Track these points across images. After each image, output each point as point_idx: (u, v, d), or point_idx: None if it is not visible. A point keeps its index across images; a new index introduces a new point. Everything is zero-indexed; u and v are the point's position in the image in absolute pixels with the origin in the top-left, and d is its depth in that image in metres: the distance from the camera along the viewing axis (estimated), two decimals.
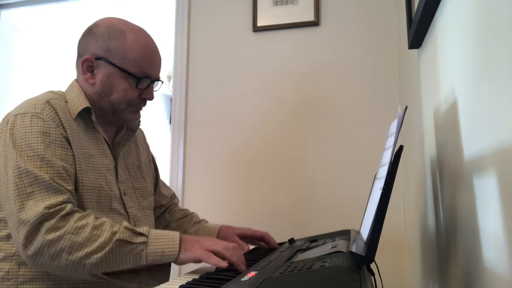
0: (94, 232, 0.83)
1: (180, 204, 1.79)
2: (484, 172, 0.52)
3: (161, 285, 0.77)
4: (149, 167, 1.20)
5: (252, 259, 1.03)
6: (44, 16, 3.23)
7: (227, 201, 1.78)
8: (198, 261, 0.87)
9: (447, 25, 0.72)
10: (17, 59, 3.15)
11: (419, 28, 0.92)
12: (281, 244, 1.23)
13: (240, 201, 1.76)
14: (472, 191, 0.57)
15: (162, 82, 1.07)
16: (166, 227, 1.24)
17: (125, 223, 0.87)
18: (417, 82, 1.13)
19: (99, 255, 0.82)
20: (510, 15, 0.41)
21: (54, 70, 3.59)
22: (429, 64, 0.93)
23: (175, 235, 0.88)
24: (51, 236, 0.80)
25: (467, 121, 0.60)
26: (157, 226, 1.20)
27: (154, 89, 1.06)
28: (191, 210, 1.34)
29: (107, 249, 0.82)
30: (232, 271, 0.86)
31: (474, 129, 0.57)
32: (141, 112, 1.07)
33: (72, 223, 0.82)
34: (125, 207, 1.01)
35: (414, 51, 1.15)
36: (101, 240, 0.82)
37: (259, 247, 1.23)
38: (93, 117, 0.99)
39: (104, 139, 1.01)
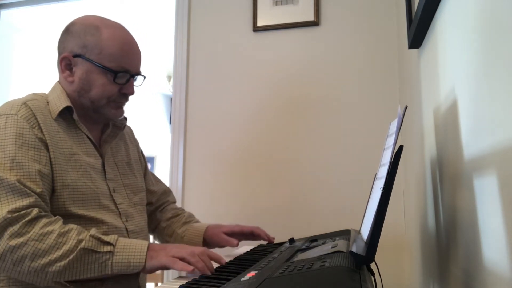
0: (59, 239, 0.81)
1: (180, 204, 1.79)
2: (484, 172, 0.52)
3: (160, 285, 0.77)
4: (139, 163, 1.20)
5: (252, 259, 1.04)
6: (44, 16, 3.23)
7: (227, 201, 1.78)
8: (164, 268, 0.86)
9: (447, 25, 0.72)
10: (17, 59, 3.15)
11: (419, 28, 0.92)
12: (281, 244, 1.23)
13: (240, 201, 1.76)
14: (472, 191, 0.57)
15: (145, 77, 1.07)
16: (157, 226, 1.23)
17: (93, 231, 0.86)
18: (417, 82, 1.13)
19: (62, 263, 0.80)
20: (510, 14, 0.41)
21: (54, 70, 3.59)
22: (429, 64, 0.93)
23: (142, 245, 0.87)
24: (14, 242, 0.79)
25: (467, 121, 0.60)
26: (148, 225, 1.18)
27: (136, 84, 1.05)
28: (190, 210, 1.33)
29: (71, 257, 0.81)
30: (232, 272, 0.86)
31: (474, 129, 0.57)
32: (124, 108, 1.07)
33: (37, 229, 0.81)
34: (115, 203, 1.01)
35: (414, 51, 1.15)
36: (65, 248, 0.81)
37: (257, 248, 1.22)
38: (75, 116, 0.98)
39: (88, 137, 1.01)
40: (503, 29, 0.44)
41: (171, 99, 2.12)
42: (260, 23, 1.82)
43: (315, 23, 1.75)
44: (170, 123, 4.62)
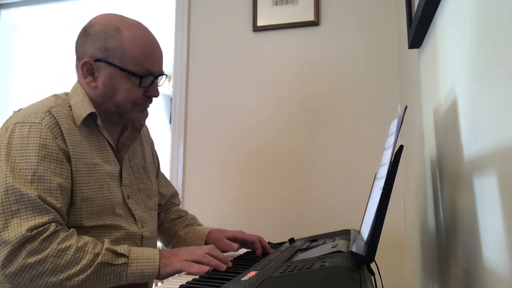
0: (77, 254, 0.82)
1: (180, 204, 1.79)
2: (484, 172, 0.52)
3: (160, 285, 0.77)
4: (153, 165, 1.19)
5: (252, 259, 1.04)
6: (44, 16, 3.23)
7: (227, 201, 1.78)
8: (179, 272, 0.89)
9: (447, 25, 0.72)
10: (17, 59, 3.15)
11: (419, 28, 0.92)
12: (281, 244, 1.23)
13: (240, 201, 1.76)
14: (472, 191, 0.57)
15: (166, 76, 1.04)
16: (160, 227, 1.23)
17: (107, 243, 0.87)
18: (417, 82, 1.13)
19: (80, 277, 0.82)
20: (509, 14, 0.41)
21: (55, 70, 3.59)
22: (429, 64, 0.93)
23: (154, 254, 0.89)
24: (33, 259, 0.79)
25: (467, 121, 0.60)
26: None
27: (159, 83, 1.03)
28: (191, 210, 1.33)
29: (89, 271, 0.82)
30: (232, 271, 0.86)
31: (474, 129, 0.57)
32: (148, 110, 1.04)
33: (55, 245, 0.81)
34: (130, 210, 1.00)
35: (414, 51, 1.15)
36: (83, 262, 0.82)
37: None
38: (99, 122, 0.96)
39: (109, 143, 1.00)
40: (502, 29, 0.44)
41: (171, 99, 2.12)
42: (260, 23, 1.82)
43: (315, 23, 1.75)
44: (170, 123, 4.61)
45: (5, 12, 2.46)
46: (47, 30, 3.48)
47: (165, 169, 1.75)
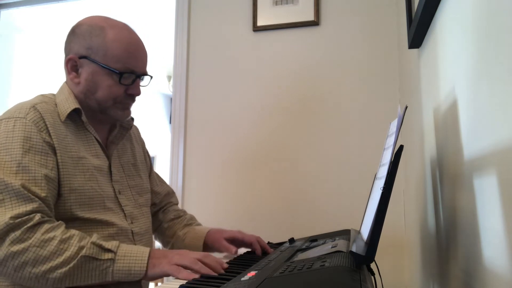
0: (60, 246, 0.81)
1: (180, 204, 1.79)
2: (484, 172, 0.52)
3: (161, 285, 0.77)
4: (144, 164, 1.20)
5: (252, 259, 1.04)
6: (44, 16, 3.23)
7: (227, 201, 1.78)
8: (167, 276, 0.86)
9: (447, 25, 0.72)
10: (17, 59, 3.15)
11: (419, 28, 0.92)
12: (281, 244, 1.23)
13: (240, 201, 1.76)
14: (472, 191, 0.57)
15: (151, 77, 1.06)
16: (158, 227, 1.23)
17: (94, 238, 0.86)
18: (417, 81, 1.13)
19: (63, 270, 0.80)
20: (509, 15, 0.41)
21: (55, 70, 3.59)
22: (429, 64, 0.93)
23: (144, 252, 0.86)
24: (16, 248, 0.79)
25: (467, 121, 0.60)
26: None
27: (142, 84, 1.05)
28: (190, 210, 1.33)
29: (72, 264, 0.81)
30: (232, 272, 0.86)
31: (474, 129, 0.57)
32: (131, 109, 1.06)
33: (39, 235, 0.81)
34: (120, 206, 1.01)
35: (414, 51, 1.15)
36: (66, 254, 0.81)
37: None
38: (84, 117, 0.98)
39: (96, 139, 1.01)
40: (502, 29, 0.44)
41: (171, 99, 2.13)
42: (260, 23, 1.82)
43: (315, 23, 1.75)
44: (170, 123, 4.61)
45: (5, 12, 2.46)
46: (47, 30, 3.48)
47: (165, 169, 1.75)
